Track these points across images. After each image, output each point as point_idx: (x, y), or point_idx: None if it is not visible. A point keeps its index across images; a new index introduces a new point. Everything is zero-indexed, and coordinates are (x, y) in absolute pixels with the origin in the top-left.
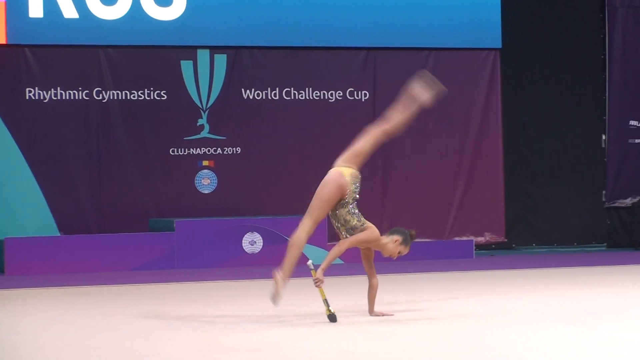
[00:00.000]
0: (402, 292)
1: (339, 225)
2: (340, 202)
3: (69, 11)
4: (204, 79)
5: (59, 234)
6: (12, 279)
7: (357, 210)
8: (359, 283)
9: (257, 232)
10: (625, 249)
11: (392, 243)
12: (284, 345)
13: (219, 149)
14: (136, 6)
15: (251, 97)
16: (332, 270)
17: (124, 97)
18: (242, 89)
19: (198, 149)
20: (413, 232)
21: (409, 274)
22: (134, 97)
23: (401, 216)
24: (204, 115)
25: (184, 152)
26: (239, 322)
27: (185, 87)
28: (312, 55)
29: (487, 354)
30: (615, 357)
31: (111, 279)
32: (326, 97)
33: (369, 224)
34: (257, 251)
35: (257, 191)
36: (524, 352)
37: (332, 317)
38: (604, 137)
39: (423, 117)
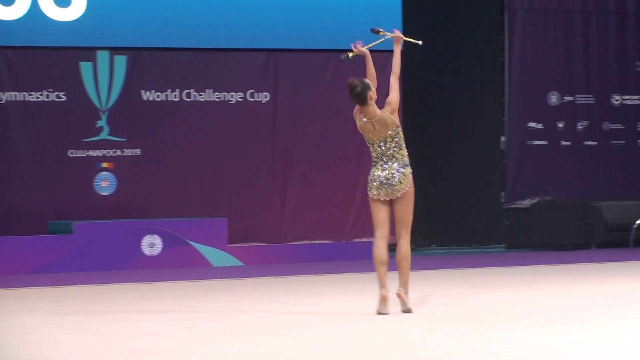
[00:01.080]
0: (304, 294)
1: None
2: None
3: None
4: (103, 80)
5: None
6: None
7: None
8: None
9: (156, 234)
10: (524, 249)
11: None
12: (184, 348)
13: (118, 150)
14: (35, 7)
15: (151, 98)
16: (233, 272)
17: (22, 99)
18: (142, 91)
19: (97, 151)
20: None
21: (308, 276)
22: (32, 98)
23: (300, 217)
24: (104, 117)
25: (83, 153)
26: (138, 325)
27: (85, 88)
28: (213, 57)
29: (386, 354)
30: (515, 357)
31: (8, 282)
32: (227, 99)
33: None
34: (156, 253)
35: (156, 193)
36: (426, 352)
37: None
38: (503, 138)
39: (322, 118)
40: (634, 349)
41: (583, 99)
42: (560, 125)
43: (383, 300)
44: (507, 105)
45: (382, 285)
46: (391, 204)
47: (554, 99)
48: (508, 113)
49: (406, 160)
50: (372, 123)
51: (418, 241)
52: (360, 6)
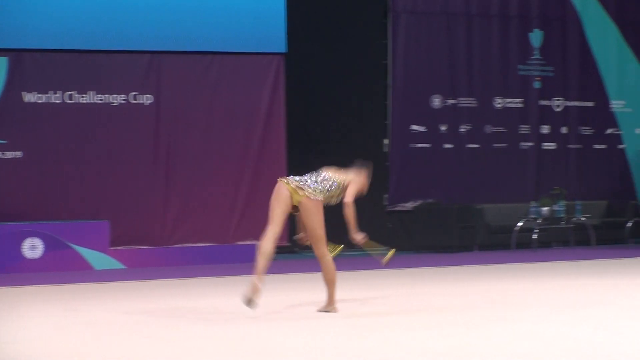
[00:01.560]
0: (186, 297)
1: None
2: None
3: None
4: None
5: None
6: None
7: (326, 186)
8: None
9: (37, 237)
10: (407, 252)
11: (363, 178)
12: (61, 351)
13: None
14: None
15: (33, 100)
16: (115, 275)
17: None
18: (23, 92)
19: None
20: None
21: (190, 279)
22: None
23: (184, 219)
24: None
25: None
26: (16, 329)
27: None
28: (95, 58)
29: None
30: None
31: None
32: (109, 101)
33: (344, 178)
34: (37, 256)
35: (38, 196)
36: (311, 350)
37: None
38: (386, 141)
39: (206, 121)
40: (510, 348)
41: (466, 102)
42: (443, 128)
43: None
44: (390, 108)
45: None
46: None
47: (437, 102)
48: (391, 116)
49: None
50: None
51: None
52: (243, 8)
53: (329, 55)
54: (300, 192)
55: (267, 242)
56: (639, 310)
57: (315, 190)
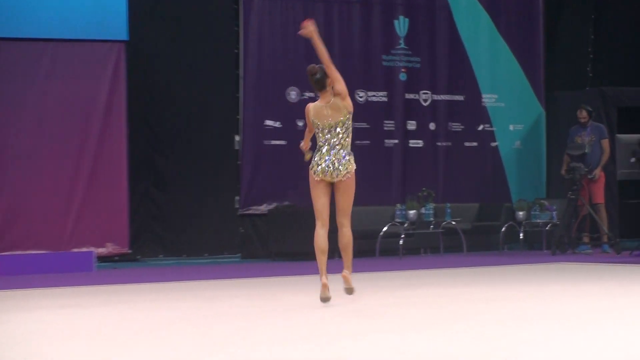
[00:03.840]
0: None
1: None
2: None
3: None
4: None
5: None
6: None
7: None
8: None
9: None
10: (260, 259)
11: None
12: None
13: None
14: None
15: None
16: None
17: None
18: None
19: None
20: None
21: (19, 291)
22: None
23: (12, 224)
24: None
25: None
26: None
27: None
28: None
29: None
30: None
31: None
32: None
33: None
34: None
35: None
36: None
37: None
38: (237, 138)
39: (38, 114)
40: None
41: None
42: (300, 124)
43: (324, 287)
44: (242, 102)
45: (323, 273)
46: (332, 192)
47: (293, 95)
48: (243, 110)
49: (350, 149)
50: (326, 107)
51: (144, 250)
52: None
53: (176, 43)
54: (336, 176)
55: (322, 238)
56: (514, 322)
57: (347, 165)
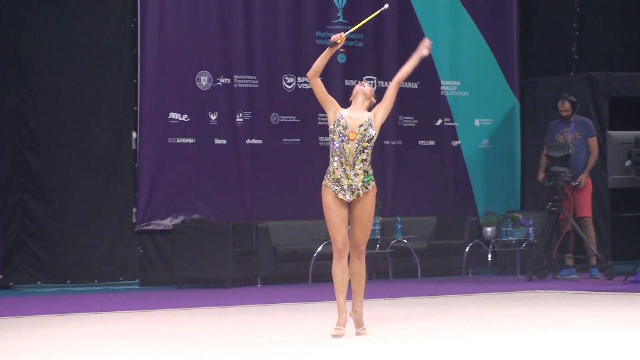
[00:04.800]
0: None
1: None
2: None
3: None
4: None
5: None
6: None
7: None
8: None
9: None
10: (164, 286)
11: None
12: None
13: None
14: None
15: None
16: None
17: None
18: None
19: None
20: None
21: None
22: None
23: None
24: None
25: None
26: None
27: None
28: None
29: None
30: None
31: None
32: None
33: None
34: None
35: None
36: None
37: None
38: (134, 135)
39: None
40: None
41: (244, 81)
42: (214, 117)
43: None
44: (139, 89)
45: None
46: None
47: (205, 82)
48: (140, 100)
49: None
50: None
51: (17, 276)
52: None
53: (54, 14)
54: (354, 195)
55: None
56: None
57: (365, 182)
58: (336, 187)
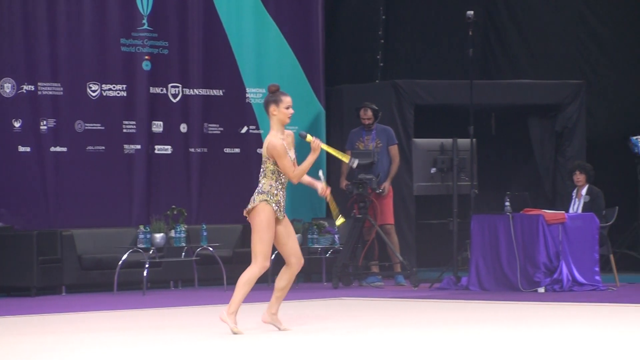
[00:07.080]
0: None
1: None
2: None
3: None
4: None
5: None
6: None
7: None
8: None
9: None
10: None
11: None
12: None
13: None
14: None
15: None
16: None
17: None
18: None
19: None
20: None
21: None
22: None
23: None
24: None
25: None
26: None
27: None
28: None
29: None
30: None
31: None
32: None
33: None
34: None
35: None
36: None
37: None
38: None
39: None
40: None
41: (48, 88)
42: (17, 124)
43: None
44: None
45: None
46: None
47: (8, 88)
48: None
49: (261, 186)
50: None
51: None
52: None
53: None
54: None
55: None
56: None
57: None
58: (276, 207)
